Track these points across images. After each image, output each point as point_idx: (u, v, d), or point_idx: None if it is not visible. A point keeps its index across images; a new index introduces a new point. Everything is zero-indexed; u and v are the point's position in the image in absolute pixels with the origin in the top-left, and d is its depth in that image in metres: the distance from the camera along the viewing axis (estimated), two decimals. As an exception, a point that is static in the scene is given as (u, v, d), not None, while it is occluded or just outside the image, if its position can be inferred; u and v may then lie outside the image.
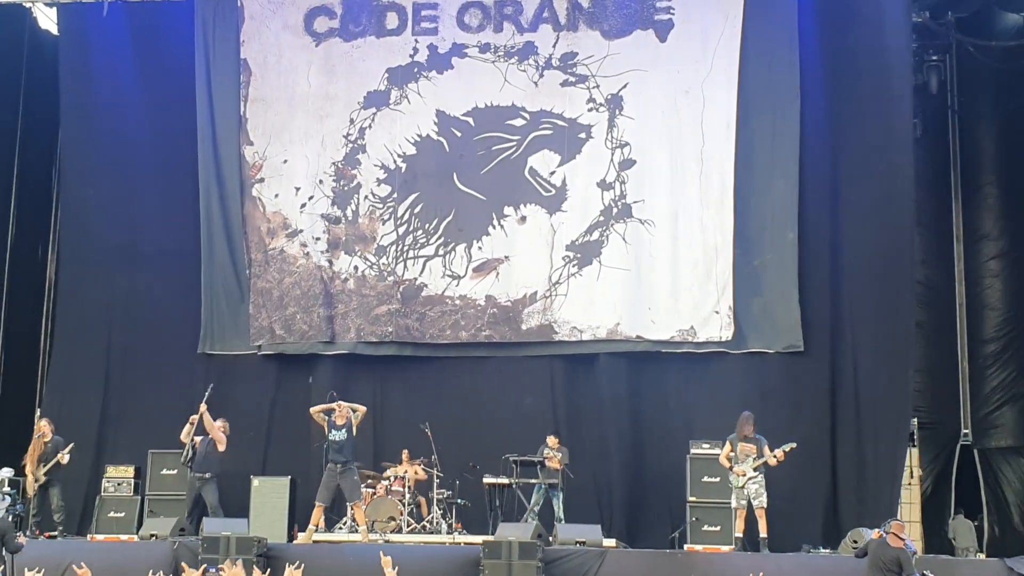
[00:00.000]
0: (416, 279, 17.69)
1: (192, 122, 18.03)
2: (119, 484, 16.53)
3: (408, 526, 15.44)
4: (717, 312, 16.95)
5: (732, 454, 14.55)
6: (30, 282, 19.07)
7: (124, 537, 15.27)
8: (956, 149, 18.04)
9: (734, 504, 14.52)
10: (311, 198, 18.02)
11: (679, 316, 17.03)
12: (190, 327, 18.05)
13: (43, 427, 15.78)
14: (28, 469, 15.58)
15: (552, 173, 17.56)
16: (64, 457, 15.50)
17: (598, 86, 17.56)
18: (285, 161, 18.10)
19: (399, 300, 17.64)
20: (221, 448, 15.42)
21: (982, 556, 15.39)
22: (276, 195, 18.08)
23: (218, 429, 15.45)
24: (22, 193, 18.88)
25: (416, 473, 15.96)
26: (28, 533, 14.97)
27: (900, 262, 16.89)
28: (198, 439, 15.51)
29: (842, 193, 17.19)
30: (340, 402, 15.14)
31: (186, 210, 18.09)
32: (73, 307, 18.39)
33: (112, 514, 16.30)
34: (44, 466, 15.50)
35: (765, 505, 14.36)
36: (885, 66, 17.16)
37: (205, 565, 11.87)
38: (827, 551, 14.77)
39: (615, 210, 17.38)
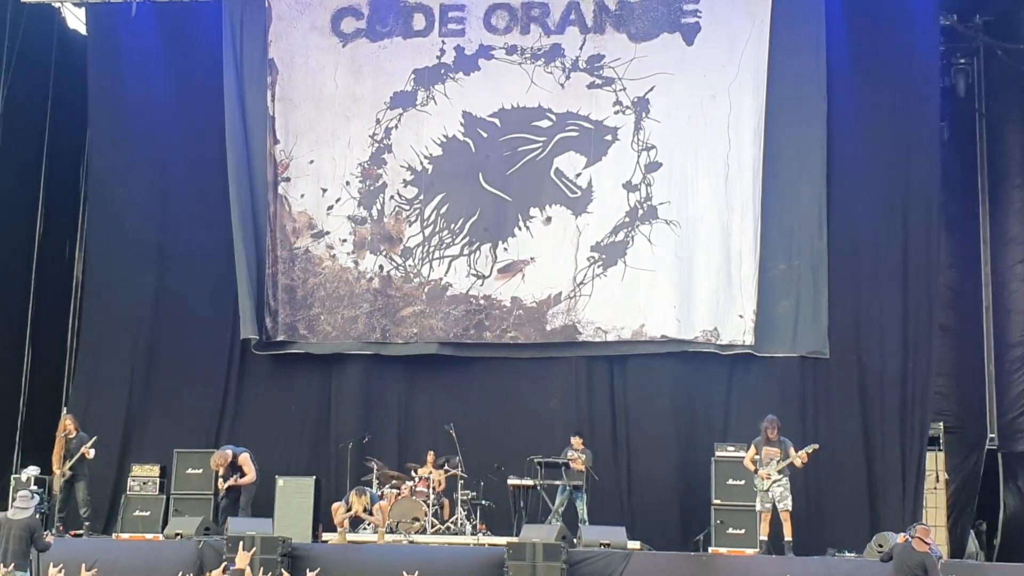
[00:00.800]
0: (441, 279, 17.70)
1: (221, 121, 18.08)
2: (144, 483, 16.60)
3: (432, 527, 15.46)
4: (741, 316, 16.92)
5: (757, 457, 14.53)
6: (57, 280, 19.14)
7: (149, 536, 15.35)
8: (983, 152, 17.91)
9: (759, 507, 14.50)
10: (338, 200, 18.06)
11: (703, 317, 17.01)
12: (217, 326, 18.12)
13: (67, 424, 15.85)
14: (54, 466, 15.64)
15: (578, 175, 17.55)
16: (89, 451, 15.56)
17: (624, 89, 17.54)
18: (311, 162, 18.14)
19: (424, 301, 17.67)
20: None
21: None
22: (302, 195, 18.12)
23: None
24: (50, 192, 18.96)
25: (440, 481, 15.96)
26: (54, 531, 15.05)
27: (926, 265, 16.86)
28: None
29: (868, 196, 17.14)
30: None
31: (215, 209, 18.13)
32: (100, 306, 18.47)
33: (137, 513, 16.37)
34: (69, 461, 15.56)
35: (790, 508, 14.34)
36: (912, 69, 17.12)
37: (225, 563, 11.92)
38: (852, 555, 14.71)
39: (640, 211, 17.37)
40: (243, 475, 15.48)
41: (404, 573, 9.90)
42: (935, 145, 17.05)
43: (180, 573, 10.54)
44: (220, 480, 15.58)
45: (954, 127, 17.88)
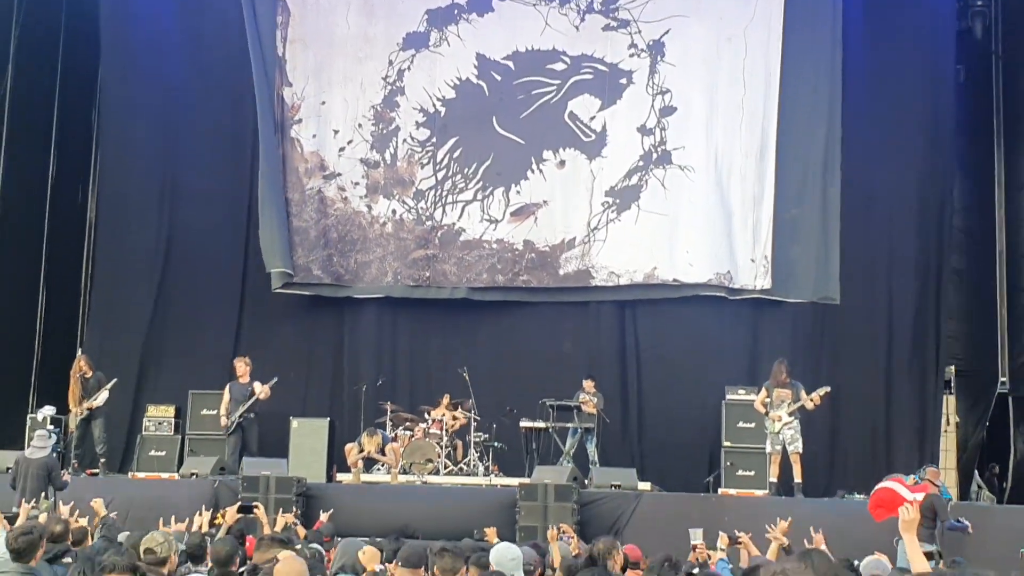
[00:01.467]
0: (454, 224, 17.70)
1: (229, 61, 18.00)
2: (160, 423, 16.75)
3: (445, 468, 15.59)
4: (753, 260, 16.92)
5: (767, 400, 14.57)
6: (71, 222, 19.16)
7: (165, 475, 15.51)
8: (999, 95, 17.76)
9: (769, 449, 14.58)
10: (350, 142, 18.02)
11: (716, 260, 17.01)
12: (230, 266, 18.18)
13: (82, 364, 15.91)
14: (70, 406, 15.75)
15: (592, 118, 17.49)
16: (103, 394, 15.61)
17: (640, 31, 17.43)
18: (323, 103, 18.08)
19: (437, 245, 17.67)
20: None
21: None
22: (313, 135, 18.06)
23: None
24: (62, 133, 18.93)
25: (454, 419, 16.07)
26: (71, 470, 15.18)
27: (939, 209, 16.84)
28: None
29: (882, 140, 17.09)
30: None
31: (226, 149, 18.14)
32: (114, 247, 18.53)
33: (153, 453, 16.52)
34: (86, 401, 15.65)
35: (800, 451, 14.40)
36: (928, 11, 17.02)
37: (240, 502, 12.00)
38: (862, 497, 14.77)
39: (655, 156, 17.32)
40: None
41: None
42: (950, 88, 16.97)
43: (197, 513, 10.62)
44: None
45: (970, 70, 17.72)
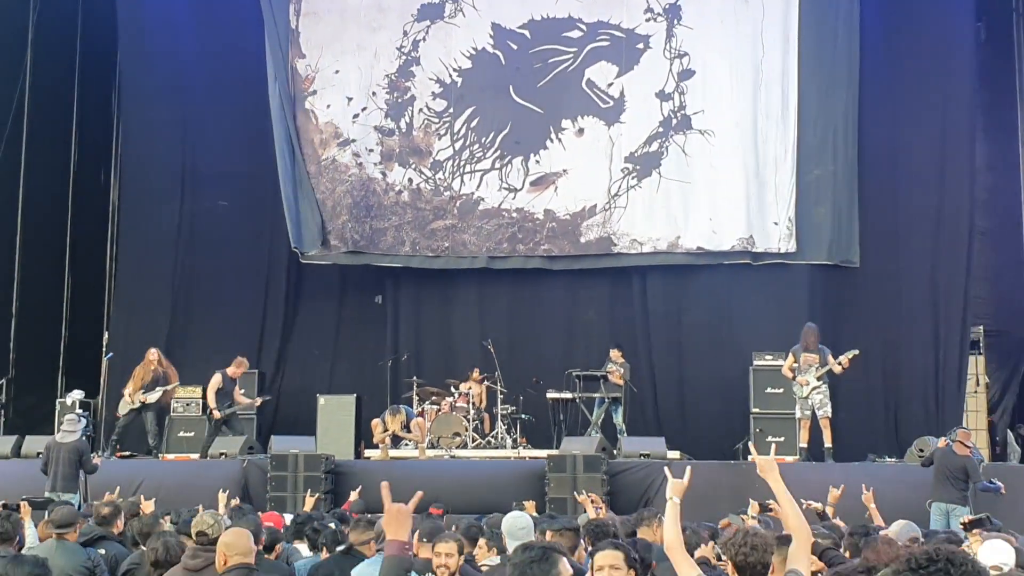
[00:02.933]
0: (473, 193, 17.62)
1: (249, 41, 17.95)
2: (187, 404, 16.76)
3: (473, 441, 15.59)
4: (776, 224, 16.81)
5: (795, 365, 14.49)
6: (94, 206, 19.23)
7: (194, 456, 15.54)
8: (1021, 52, 17.55)
9: (798, 415, 14.51)
10: (364, 109, 17.93)
11: (739, 226, 16.91)
12: (252, 246, 18.21)
13: (151, 355, 15.80)
14: (128, 390, 15.62)
15: (610, 85, 17.37)
16: (155, 393, 15.61)
17: (656, -6, 17.29)
18: (337, 72, 17.97)
19: (455, 215, 17.61)
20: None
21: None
22: (328, 105, 17.96)
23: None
24: (83, 117, 18.97)
25: (481, 393, 16.06)
26: (102, 453, 15.26)
27: (962, 169, 16.68)
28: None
29: (902, 100, 16.92)
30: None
31: (243, 130, 18.12)
32: (137, 230, 18.57)
33: (181, 434, 16.56)
34: (143, 393, 15.56)
35: (830, 415, 14.34)
36: (948, -32, 16.78)
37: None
38: (893, 460, 14.75)
39: (674, 121, 17.20)
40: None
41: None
42: (971, 46, 16.77)
43: (226, 491, 10.65)
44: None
45: (991, 27, 17.51)
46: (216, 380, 15.41)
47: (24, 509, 8.90)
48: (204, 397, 16.80)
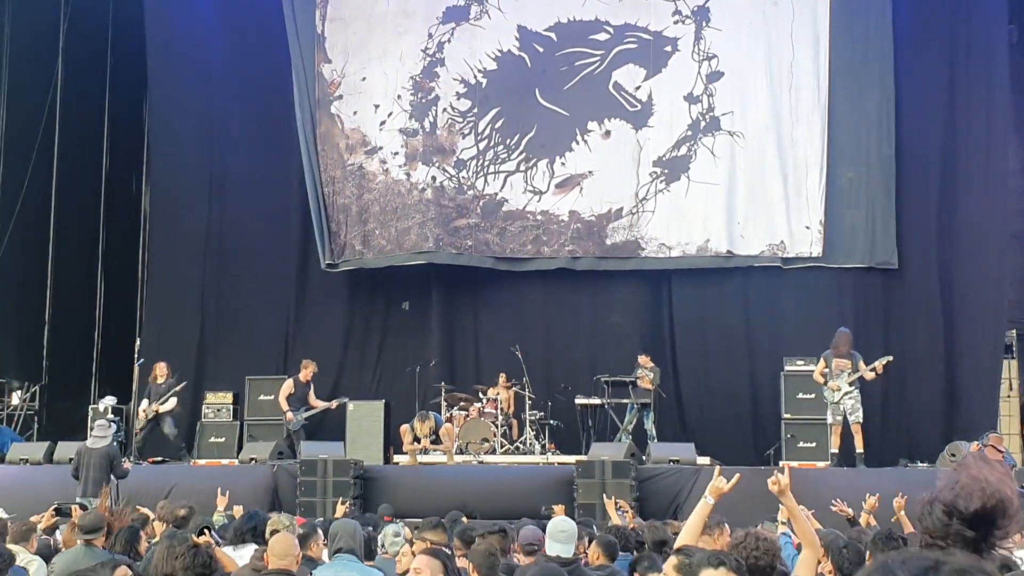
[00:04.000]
0: (497, 194, 17.58)
1: (276, 49, 18.02)
2: (218, 410, 16.86)
3: (502, 447, 15.56)
4: (808, 227, 16.69)
5: (826, 370, 14.38)
6: (126, 213, 19.38)
7: (225, 461, 15.62)
8: (1054, 55, 17.43)
9: (830, 420, 14.37)
10: (390, 115, 17.94)
11: (769, 230, 16.81)
12: (279, 252, 18.27)
13: (157, 370, 15.94)
14: (143, 406, 15.75)
15: (637, 88, 17.29)
16: (171, 400, 15.71)
17: (683, -3, 17.22)
18: (364, 79, 18.01)
19: (479, 215, 17.58)
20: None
21: None
22: (355, 112, 18.00)
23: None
24: (114, 125, 19.12)
25: (509, 399, 16.03)
26: (133, 458, 15.32)
27: (996, 171, 16.50)
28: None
29: (936, 101, 16.77)
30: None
31: (271, 137, 18.18)
32: (168, 236, 18.68)
33: (212, 439, 16.63)
34: (158, 403, 15.67)
35: (861, 420, 14.20)
36: (980, -31, 16.63)
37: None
38: (925, 465, 14.62)
39: (703, 124, 17.11)
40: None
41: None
42: (1004, 47, 16.59)
43: (225, 493, 10.67)
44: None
45: (1023, 28, 17.36)
46: (287, 386, 15.65)
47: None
48: (235, 402, 16.96)
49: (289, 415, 15.52)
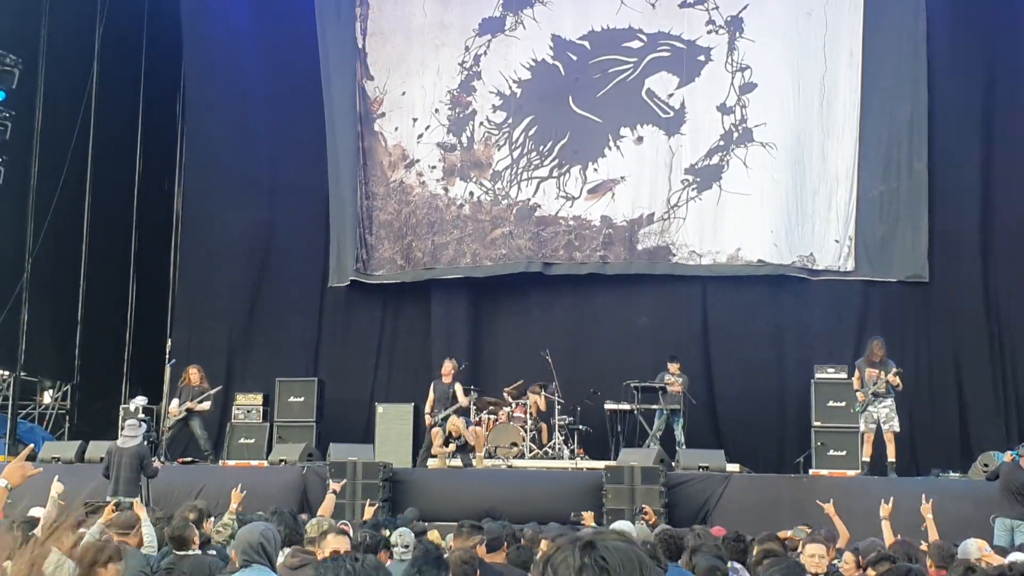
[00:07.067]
0: (530, 200, 17.62)
1: (309, 57, 18.14)
2: (248, 411, 16.89)
3: (530, 452, 15.55)
4: (837, 241, 16.64)
5: (860, 379, 14.30)
6: (158, 214, 19.52)
7: (254, 462, 15.66)
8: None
9: (862, 428, 14.30)
10: (428, 128, 18.05)
11: (800, 241, 16.77)
12: (312, 257, 18.36)
13: (190, 373, 16.02)
14: (173, 406, 15.82)
15: (670, 95, 17.30)
16: (206, 403, 15.78)
17: (717, 7, 17.22)
18: (403, 93, 18.14)
19: (512, 221, 17.60)
20: None
21: None
22: (396, 128, 18.14)
23: None
24: (148, 129, 19.28)
25: (536, 402, 16.01)
26: (163, 459, 15.39)
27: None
28: None
29: (968, 115, 16.70)
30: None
31: (306, 143, 18.28)
32: (199, 239, 18.80)
33: (242, 440, 16.67)
34: (194, 401, 15.73)
35: (896, 429, 14.09)
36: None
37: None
38: (957, 475, 14.51)
39: (736, 134, 17.09)
40: None
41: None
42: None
43: (243, 491, 10.65)
44: None
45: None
46: (432, 393, 15.48)
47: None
48: (265, 404, 17.01)
49: (428, 419, 15.32)
